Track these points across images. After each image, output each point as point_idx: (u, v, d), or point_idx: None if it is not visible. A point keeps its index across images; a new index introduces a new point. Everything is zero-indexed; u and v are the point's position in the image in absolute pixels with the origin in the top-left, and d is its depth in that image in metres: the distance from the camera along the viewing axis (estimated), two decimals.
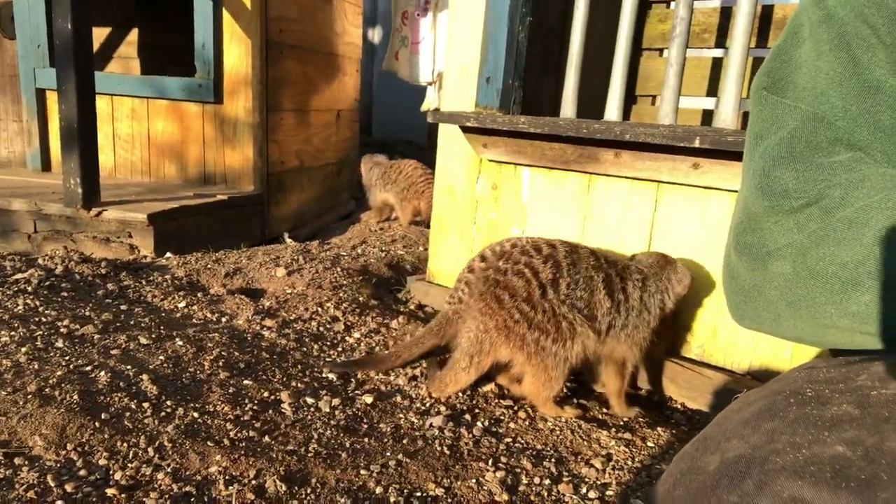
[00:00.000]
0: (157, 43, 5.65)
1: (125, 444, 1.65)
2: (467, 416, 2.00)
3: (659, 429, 1.99)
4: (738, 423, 0.85)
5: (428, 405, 2.07)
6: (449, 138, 3.20)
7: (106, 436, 1.67)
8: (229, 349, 2.30)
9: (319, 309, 2.84)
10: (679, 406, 2.33)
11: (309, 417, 1.91)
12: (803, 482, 0.65)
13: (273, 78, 4.53)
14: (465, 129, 3.02)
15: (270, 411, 1.92)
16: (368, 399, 2.05)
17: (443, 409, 2.04)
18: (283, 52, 4.62)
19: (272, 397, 2.01)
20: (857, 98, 0.92)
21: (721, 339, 2.43)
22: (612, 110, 2.67)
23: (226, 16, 4.24)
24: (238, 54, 4.32)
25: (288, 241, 4.22)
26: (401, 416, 1.97)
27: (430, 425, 1.91)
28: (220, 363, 2.18)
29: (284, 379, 2.15)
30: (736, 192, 2.35)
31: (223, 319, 2.63)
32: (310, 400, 2.01)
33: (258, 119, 4.41)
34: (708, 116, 3.67)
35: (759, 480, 0.69)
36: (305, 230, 4.90)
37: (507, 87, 2.93)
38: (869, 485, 0.61)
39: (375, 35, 9.95)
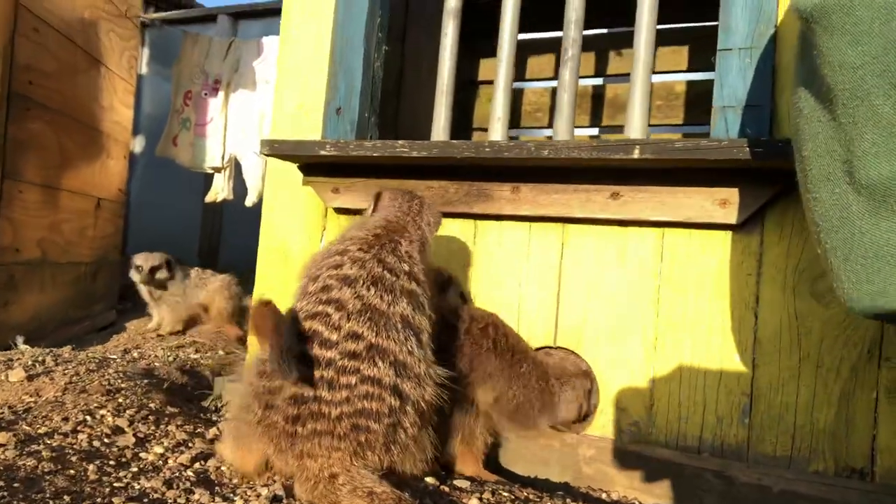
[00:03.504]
0: None
1: None
2: None
3: None
4: None
5: None
6: (281, 186, 2.48)
7: None
8: None
9: (89, 418, 1.82)
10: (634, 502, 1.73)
11: None
12: None
13: (14, 138, 3.45)
14: (311, 170, 2.34)
15: None
16: None
17: None
18: (30, 110, 3.59)
19: None
20: None
21: (660, 409, 1.92)
22: (497, 138, 2.20)
23: None
24: None
25: (22, 346, 3.01)
26: None
27: None
28: None
29: None
30: (663, 223, 1.96)
31: None
32: None
33: None
34: None
35: None
36: (46, 342, 3.63)
37: (364, 121, 2.35)
38: None
39: (136, 144, 8.84)
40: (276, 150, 2.21)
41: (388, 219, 1.75)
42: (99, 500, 1.29)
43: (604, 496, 1.75)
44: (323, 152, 2.12)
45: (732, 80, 1.88)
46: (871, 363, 1.73)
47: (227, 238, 8.56)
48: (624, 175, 1.94)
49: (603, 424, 1.97)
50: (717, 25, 3.24)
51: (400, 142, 2.04)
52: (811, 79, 1.13)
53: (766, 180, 1.79)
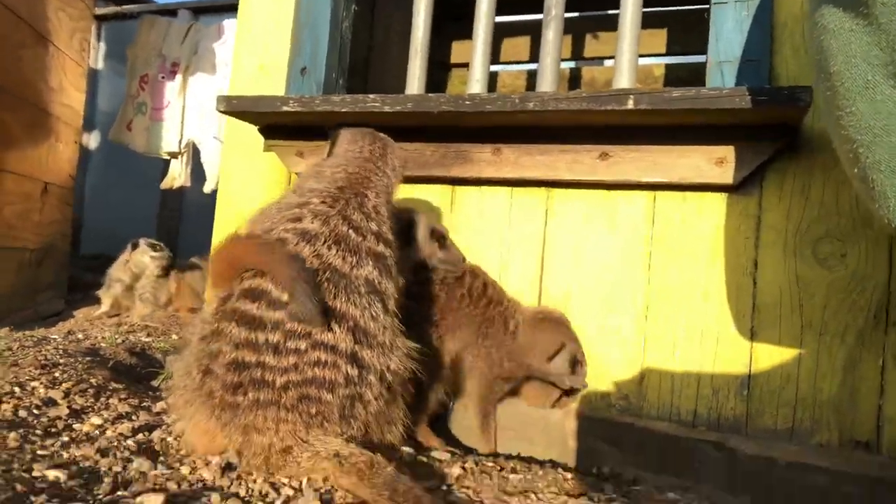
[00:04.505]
0: None
1: None
2: None
3: None
4: None
5: (279, 503, 1.05)
6: (239, 152, 2.29)
7: None
8: None
9: (18, 389, 1.61)
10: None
11: None
12: None
13: None
14: (272, 132, 2.16)
15: None
16: (152, 502, 0.96)
17: (313, 503, 1.04)
18: None
19: None
20: None
21: (651, 382, 1.79)
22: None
23: None
24: None
25: None
26: None
27: None
28: None
29: None
30: (656, 185, 1.83)
31: None
32: None
33: None
34: None
35: None
36: None
37: (331, 82, 2.19)
38: None
39: (92, 140, 8.52)
40: (235, 106, 2.03)
41: (350, 168, 1.56)
42: (16, 466, 1.09)
43: (594, 470, 1.59)
44: (286, 108, 1.94)
45: (728, 34, 1.77)
46: (878, 328, 1.62)
47: (185, 235, 8.27)
48: (614, 134, 1.82)
49: (591, 398, 1.83)
50: (695, 10, 3.20)
51: (371, 96, 1.89)
52: None
53: (766, 136, 1.68)
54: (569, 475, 1.35)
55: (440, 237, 1.79)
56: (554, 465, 1.50)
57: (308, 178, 1.57)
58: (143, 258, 3.88)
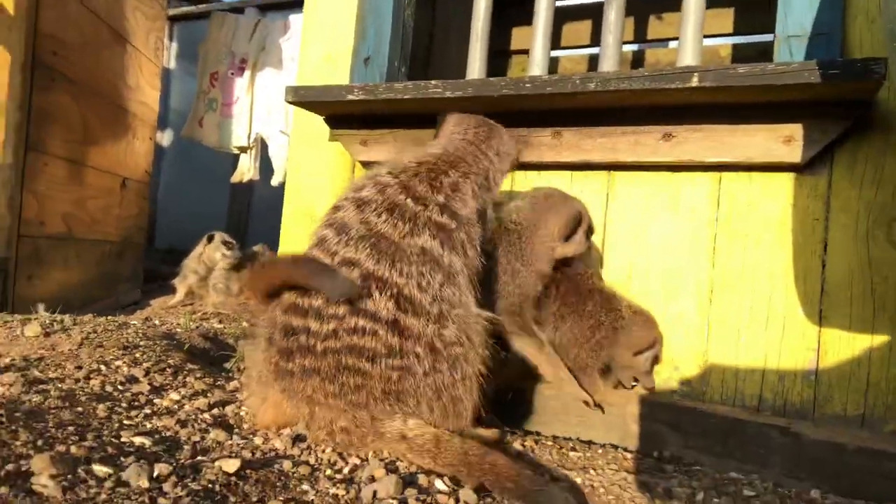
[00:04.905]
0: None
1: None
2: (427, 479, 1.06)
3: None
4: None
5: (346, 470, 1.10)
6: (306, 143, 2.36)
7: None
8: None
9: (104, 367, 1.71)
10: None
11: (102, 497, 0.85)
12: None
13: (39, 109, 3.39)
14: (338, 122, 2.22)
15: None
16: (229, 466, 1.02)
17: (378, 471, 1.08)
18: (54, 81, 3.53)
19: (7, 469, 0.90)
20: None
21: (715, 367, 1.76)
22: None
23: None
24: None
25: (43, 312, 2.93)
26: (305, 486, 0.98)
27: (375, 496, 0.94)
28: None
29: (39, 442, 1.05)
30: (721, 165, 1.79)
31: None
32: (102, 469, 0.94)
33: (11, 158, 3.20)
34: None
35: None
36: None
37: (394, 71, 2.22)
38: None
39: (164, 138, 8.85)
40: (302, 96, 2.09)
41: (449, 147, 1.56)
42: (106, 432, 1.17)
43: (655, 454, 1.58)
44: (351, 96, 1.99)
45: (798, 8, 1.72)
46: None
47: (254, 228, 8.51)
48: (677, 113, 1.79)
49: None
50: None
51: (433, 82, 1.91)
52: None
53: (836, 114, 1.62)
54: (629, 455, 1.36)
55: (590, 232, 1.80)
56: (614, 447, 1.51)
57: (404, 154, 1.57)
58: (215, 255, 4.05)
